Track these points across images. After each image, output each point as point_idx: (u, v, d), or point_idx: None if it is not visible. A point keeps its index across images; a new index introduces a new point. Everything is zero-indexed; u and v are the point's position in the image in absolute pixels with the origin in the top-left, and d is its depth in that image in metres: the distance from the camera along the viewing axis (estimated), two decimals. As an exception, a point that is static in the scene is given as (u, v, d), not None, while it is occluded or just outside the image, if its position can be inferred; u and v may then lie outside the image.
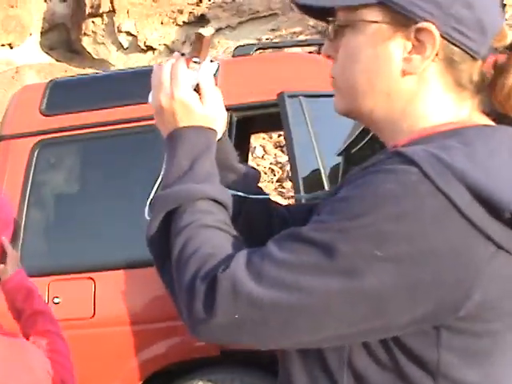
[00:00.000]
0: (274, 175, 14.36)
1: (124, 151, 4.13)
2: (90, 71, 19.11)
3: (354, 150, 3.92)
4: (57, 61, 18.44)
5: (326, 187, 3.47)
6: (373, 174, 1.12)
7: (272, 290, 1.07)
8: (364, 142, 3.89)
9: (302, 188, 3.34)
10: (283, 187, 14.47)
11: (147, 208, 1.34)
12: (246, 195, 1.43)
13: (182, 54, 1.38)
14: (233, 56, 4.26)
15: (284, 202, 13.14)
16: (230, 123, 3.83)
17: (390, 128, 1.25)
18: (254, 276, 1.09)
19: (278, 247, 1.11)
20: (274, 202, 1.51)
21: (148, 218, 1.29)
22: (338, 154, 3.87)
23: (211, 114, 1.33)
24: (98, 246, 3.99)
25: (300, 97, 3.40)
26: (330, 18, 1.27)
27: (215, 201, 1.24)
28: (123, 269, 3.84)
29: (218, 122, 1.36)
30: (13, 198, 3.92)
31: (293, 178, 3.31)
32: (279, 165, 15.17)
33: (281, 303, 1.07)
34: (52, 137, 4.05)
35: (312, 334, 1.11)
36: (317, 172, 3.56)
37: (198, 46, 1.36)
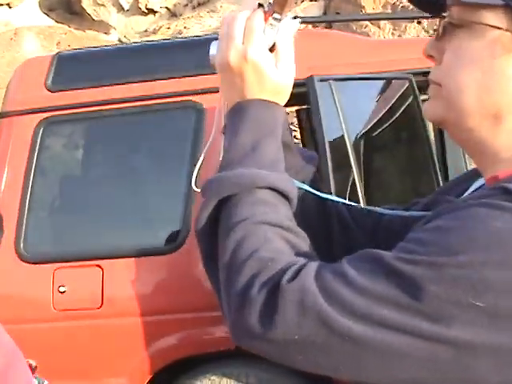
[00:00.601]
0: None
1: (138, 131, 3.86)
2: (90, 33, 18.73)
3: (375, 133, 3.69)
4: (56, 22, 18.05)
5: (356, 178, 3.21)
6: (475, 206, 0.95)
7: (345, 316, 0.94)
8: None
9: (331, 179, 3.07)
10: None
11: (194, 181, 1.27)
12: (316, 193, 1.25)
13: (260, 5, 1.16)
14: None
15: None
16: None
17: (490, 154, 1.05)
18: (325, 294, 0.95)
19: (355, 269, 0.95)
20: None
21: (197, 190, 1.18)
22: (360, 137, 3.62)
23: (283, 82, 1.16)
24: (107, 231, 3.77)
25: (330, 81, 3.14)
26: (443, 14, 1.07)
27: (279, 192, 1.08)
28: (134, 257, 3.61)
29: (288, 90, 1.18)
30: (16, 179, 3.68)
31: (322, 167, 3.04)
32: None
33: (352, 333, 0.93)
34: (59, 114, 3.77)
35: (380, 373, 0.96)
36: (346, 159, 3.31)
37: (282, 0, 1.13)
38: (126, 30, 18.95)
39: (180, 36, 17.56)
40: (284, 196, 1.09)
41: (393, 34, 14.82)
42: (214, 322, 3.50)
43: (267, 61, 1.14)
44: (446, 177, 3.68)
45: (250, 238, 1.02)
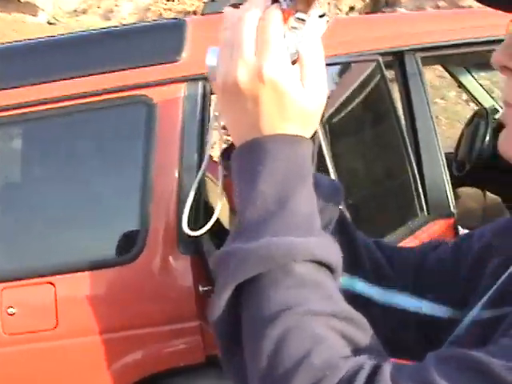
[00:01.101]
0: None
1: (82, 132, 3.51)
2: (17, 16, 18.02)
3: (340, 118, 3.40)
4: (-20, 5, 17.27)
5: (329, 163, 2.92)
6: None
7: None
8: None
9: None
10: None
11: (185, 222, 1.09)
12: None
13: (275, 0, 0.83)
14: (202, 14, 3.62)
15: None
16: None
17: None
18: None
19: (447, 379, 0.70)
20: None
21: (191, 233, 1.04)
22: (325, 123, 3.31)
23: (313, 105, 0.85)
24: (56, 244, 3.41)
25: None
26: None
27: (322, 264, 0.81)
28: (88, 270, 3.27)
29: (318, 115, 0.87)
30: None
31: None
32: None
33: None
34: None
35: None
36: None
37: None
38: (54, 10, 18.30)
39: (111, 14, 17.02)
40: (328, 267, 0.81)
41: (329, 3, 14.48)
42: (177, 336, 3.26)
43: (291, 79, 0.84)
44: (418, 157, 3.43)
45: (295, 336, 0.75)
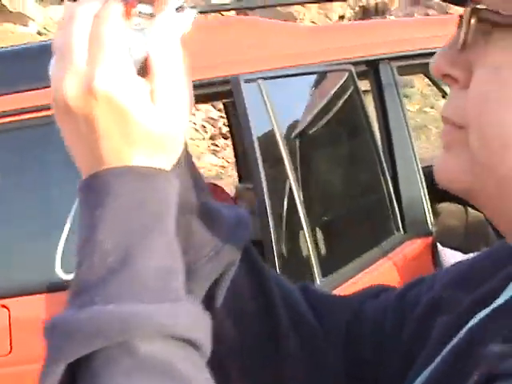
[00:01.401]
0: (206, 132, 13.64)
1: (40, 146, 3.28)
2: (7, 26, 17.90)
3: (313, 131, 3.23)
4: (-29, 15, 17.14)
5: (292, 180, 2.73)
6: None
7: None
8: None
9: (264, 184, 2.55)
10: (216, 145, 13.81)
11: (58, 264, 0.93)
12: None
13: None
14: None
15: (218, 162, 12.51)
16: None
17: None
18: None
19: None
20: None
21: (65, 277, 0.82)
22: (296, 136, 3.15)
23: (165, 127, 0.66)
24: (12, 263, 3.21)
25: (259, 80, 2.65)
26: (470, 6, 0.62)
27: (180, 339, 0.61)
28: (45, 292, 3.07)
29: (179, 139, 0.68)
30: None
31: (253, 172, 2.54)
32: (211, 121, 14.45)
33: None
34: None
35: None
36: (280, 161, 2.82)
37: None
38: (44, 20, 18.19)
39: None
40: (189, 343, 0.62)
41: (318, 13, 14.49)
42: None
43: (133, 93, 0.64)
44: (394, 173, 3.24)
45: None
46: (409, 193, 3.23)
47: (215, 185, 4.48)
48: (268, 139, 2.80)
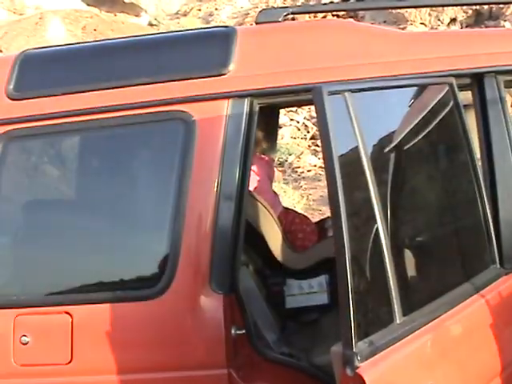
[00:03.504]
0: (308, 131, 13.33)
1: (115, 148, 3.16)
2: (121, 17, 18.06)
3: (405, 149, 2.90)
4: (87, 5, 17.40)
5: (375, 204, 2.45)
6: None
7: None
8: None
9: (342, 207, 2.28)
10: (317, 145, 13.47)
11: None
12: None
13: None
14: (256, 23, 3.20)
15: (318, 162, 12.16)
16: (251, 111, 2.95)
17: None
18: None
19: None
20: None
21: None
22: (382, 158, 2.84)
23: None
24: (77, 270, 3.05)
25: (345, 93, 2.38)
26: None
27: None
28: (109, 302, 2.93)
29: None
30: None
31: (331, 190, 2.28)
32: (314, 120, 14.12)
33: None
34: (22, 127, 3.07)
35: None
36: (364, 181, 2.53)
37: None
38: (156, 12, 18.28)
39: (211, 19, 16.81)
40: None
41: (430, 15, 13.90)
42: (206, 382, 2.90)
43: None
44: (493, 197, 2.89)
45: None
46: (509, 219, 2.87)
47: (299, 214, 4.20)
48: (350, 154, 2.54)
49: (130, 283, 3.00)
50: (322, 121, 2.24)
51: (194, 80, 2.96)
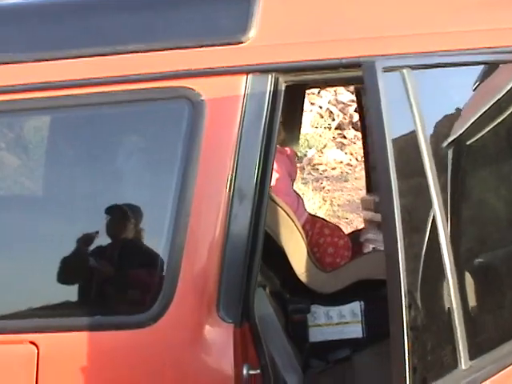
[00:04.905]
0: (333, 119, 13.29)
1: (103, 131, 3.10)
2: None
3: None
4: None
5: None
6: None
7: None
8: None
9: (396, 197, 2.30)
10: (344, 137, 13.46)
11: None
12: None
13: None
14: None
15: (345, 158, 12.15)
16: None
17: None
18: None
19: None
20: None
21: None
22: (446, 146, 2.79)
23: None
24: (46, 288, 3.03)
25: (404, 69, 2.34)
26: None
27: None
28: (86, 330, 2.90)
29: None
30: None
31: (382, 178, 2.29)
32: (340, 106, 14.11)
33: None
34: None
35: None
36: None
37: None
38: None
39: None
40: None
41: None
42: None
43: None
44: None
45: None
46: None
47: (329, 223, 4.15)
48: (407, 145, 2.54)
49: (115, 306, 2.97)
50: (374, 103, 2.23)
51: (204, 49, 2.90)
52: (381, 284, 3.89)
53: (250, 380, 2.81)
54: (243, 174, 2.84)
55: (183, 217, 2.82)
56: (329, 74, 2.94)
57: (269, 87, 2.88)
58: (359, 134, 13.47)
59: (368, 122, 2.24)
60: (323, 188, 10.45)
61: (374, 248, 4.09)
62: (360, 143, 13.01)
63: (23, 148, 3.21)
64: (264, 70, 2.88)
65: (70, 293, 3.00)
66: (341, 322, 3.75)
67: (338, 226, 4.10)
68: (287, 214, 3.61)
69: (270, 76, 2.88)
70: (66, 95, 2.95)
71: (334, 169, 11.10)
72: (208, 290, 2.82)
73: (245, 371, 2.79)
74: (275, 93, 2.89)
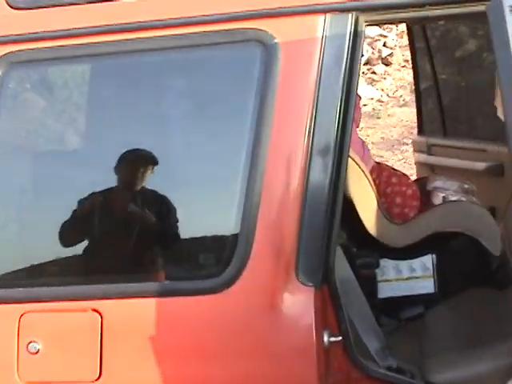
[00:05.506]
0: (362, 55, 12.97)
1: (164, 80, 2.99)
2: None
3: None
4: None
5: None
6: None
7: None
8: None
9: None
10: (374, 72, 13.21)
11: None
12: None
13: None
14: None
15: (375, 94, 11.90)
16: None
17: None
18: None
19: None
20: None
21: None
22: None
23: None
24: (109, 252, 2.95)
25: None
26: None
27: None
28: (153, 297, 2.77)
29: None
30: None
31: None
32: (368, 40, 13.81)
33: None
34: (29, 48, 2.89)
35: None
36: None
37: None
38: None
39: None
40: None
41: None
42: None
43: None
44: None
45: None
46: None
47: (396, 171, 3.95)
48: None
49: (184, 270, 2.87)
50: (500, 47, 1.97)
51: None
52: (453, 236, 3.75)
53: (331, 348, 2.68)
54: (322, 123, 2.68)
55: (258, 172, 2.67)
56: (421, 11, 2.73)
57: (349, 28, 2.70)
58: (389, 70, 13.29)
59: (496, 58, 2.03)
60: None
61: (443, 197, 3.89)
62: (390, 79, 12.82)
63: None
64: (343, 9, 2.70)
65: (136, 257, 2.90)
66: (412, 277, 3.60)
67: (405, 174, 3.89)
68: (357, 164, 3.43)
69: (349, 15, 2.70)
70: (128, 39, 2.79)
71: (365, 105, 10.89)
72: (286, 251, 2.68)
73: (325, 338, 2.67)
74: (355, 34, 2.72)
